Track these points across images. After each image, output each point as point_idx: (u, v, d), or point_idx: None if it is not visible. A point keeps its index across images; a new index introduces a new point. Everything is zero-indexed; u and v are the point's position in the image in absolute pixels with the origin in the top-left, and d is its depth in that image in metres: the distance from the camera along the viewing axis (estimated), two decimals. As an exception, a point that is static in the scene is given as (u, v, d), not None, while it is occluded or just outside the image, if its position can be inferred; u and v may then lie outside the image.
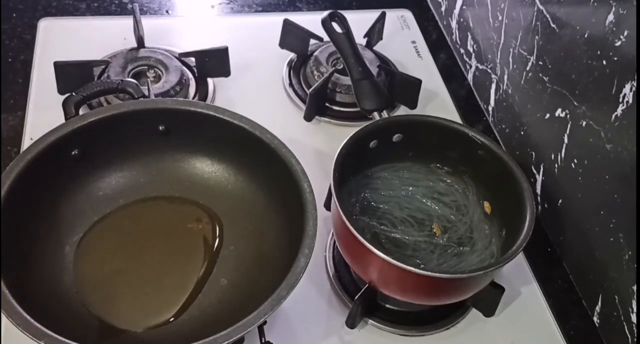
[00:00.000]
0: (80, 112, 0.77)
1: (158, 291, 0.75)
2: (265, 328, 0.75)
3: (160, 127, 0.80)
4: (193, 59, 1.00)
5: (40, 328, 0.60)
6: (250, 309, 0.63)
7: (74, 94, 0.77)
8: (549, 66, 0.84)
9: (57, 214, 0.77)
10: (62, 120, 0.75)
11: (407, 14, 1.18)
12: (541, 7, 0.85)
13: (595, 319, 0.81)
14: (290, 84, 1.02)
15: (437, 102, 1.04)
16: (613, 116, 0.72)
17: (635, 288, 0.72)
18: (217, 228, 0.80)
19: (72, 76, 0.91)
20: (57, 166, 0.75)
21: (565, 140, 0.82)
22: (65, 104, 0.76)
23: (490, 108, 1.03)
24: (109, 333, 0.71)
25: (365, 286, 0.75)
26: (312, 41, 1.05)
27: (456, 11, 1.11)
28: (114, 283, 0.75)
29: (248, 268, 0.77)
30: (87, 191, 0.80)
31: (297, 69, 1.04)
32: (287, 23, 1.03)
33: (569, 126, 0.81)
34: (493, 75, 1.00)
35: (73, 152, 0.76)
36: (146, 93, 0.84)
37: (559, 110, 0.83)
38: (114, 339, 0.71)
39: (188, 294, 0.75)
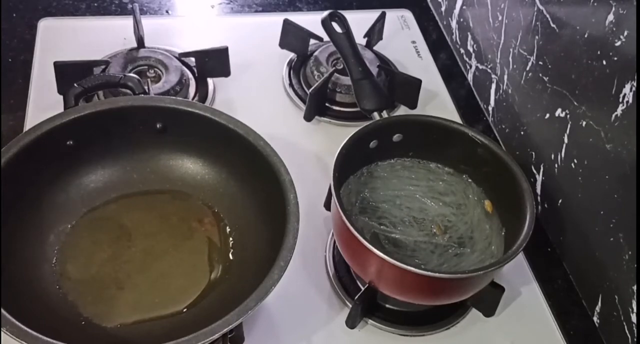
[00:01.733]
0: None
1: (148, 285, 0.75)
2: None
3: (158, 125, 0.80)
4: (193, 59, 1.00)
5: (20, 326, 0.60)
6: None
7: (75, 85, 0.78)
8: (549, 66, 0.84)
9: (46, 202, 0.77)
10: (62, 120, 0.75)
11: (407, 14, 1.18)
12: (541, 7, 0.85)
13: (595, 319, 0.81)
14: (290, 84, 1.02)
15: (437, 102, 1.04)
16: (613, 116, 0.72)
17: (635, 288, 0.72)
18: (209, 222, 0.81)
19: (72, 76, 0.90)
20: (50, 154, 0.76)
21: (565, 140, 0.82)
22: (65, 95, 0.77)
23: (490, 108, 1.03)
24: (90, 327, 0.71)
25: (365, 286, 0.75)
26: (312, 41, 1.05)
27: (456, 11, 1.11)
28: (101, 275, 0.75)
29: (241, 266, 0.77)
30: (78, 182, 0.80)
31: (297, 69, 1.04)
32: (287, 23, 1.03)
33: (569, 126, 0.81)
34: (493, 76, 1.00)
35: (68, 142, 0.77)
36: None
37: (559, 110, 0.83)
38: (93, 332, 0.71)
39: (180, 288, 0.75)
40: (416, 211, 0.80)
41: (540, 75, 0.86)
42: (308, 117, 0.98)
